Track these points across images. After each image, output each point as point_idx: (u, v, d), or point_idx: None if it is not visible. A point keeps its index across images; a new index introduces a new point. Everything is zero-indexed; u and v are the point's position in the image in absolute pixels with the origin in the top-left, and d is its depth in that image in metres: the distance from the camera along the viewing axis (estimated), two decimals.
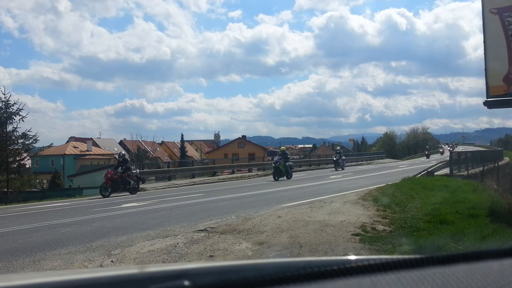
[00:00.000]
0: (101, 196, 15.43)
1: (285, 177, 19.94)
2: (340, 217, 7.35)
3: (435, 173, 16.57)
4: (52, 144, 46.02)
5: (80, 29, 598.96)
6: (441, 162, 22.38)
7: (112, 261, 5.13)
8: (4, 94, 25.67)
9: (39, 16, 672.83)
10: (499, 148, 46.18)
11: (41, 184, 35.85)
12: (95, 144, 59.26)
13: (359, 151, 65.14)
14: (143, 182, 18.67)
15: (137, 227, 7.50)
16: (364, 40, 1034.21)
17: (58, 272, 3.44)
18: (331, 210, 8.20)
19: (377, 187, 12.09)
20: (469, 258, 1.08)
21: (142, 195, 15.93)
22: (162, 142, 73.89)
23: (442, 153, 56.36)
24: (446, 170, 18.31)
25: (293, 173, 21.26)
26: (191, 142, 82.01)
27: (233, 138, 67.84)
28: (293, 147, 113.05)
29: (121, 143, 68.31)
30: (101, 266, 4.99)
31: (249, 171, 29.09)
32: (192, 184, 20.61)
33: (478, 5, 13.70)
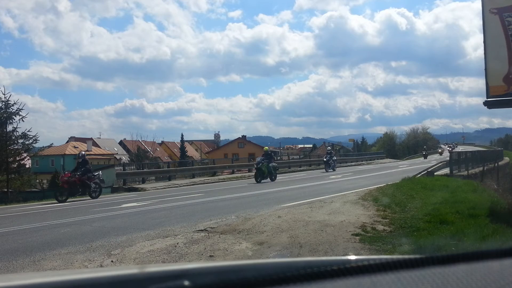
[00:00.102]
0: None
1: (268, 179, 19.07)
2: (340, 217, 7.35)
3: (435, 173, 16.58)
4: (52, 144, 46.07)
5: (80, 29, 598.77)
6: (441, 162, 22.40)
7: (112, 261, 5.13)
8: (4, 94, 25.70)
9: (39, 16, 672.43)
10: (499, 148, 46.14)
11: (41, 184, 35.83)
12: (95, 144, 59.27)
13: (359, 151, 65.18)
14: (99, 187, 15.87)
15: (137, 227, 7.50)
16: (364, 40, 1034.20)
17: (58, 272, 3.44)
18: (331, 210, 8.20)
19: (377, 187, 12.09)
20: (469, 258, 1.08)
21: (142, 195, 15.93)
22: (162, 142, 73.91)
23: (441, 153, 55.62)
24: (446, 170, 18.32)
25: (277, 175, 20.19)
26: (191, 142, 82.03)
27: (233, 138, 67.94)
28: (293, 147, 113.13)
29: (121, 143, 68.36)
30: (101, 266, 4.99)
31: (249, 171, 29.03)
32: (192, 184, 20.62)
33: (478, 5, 13.72)
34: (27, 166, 31.67)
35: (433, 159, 39.40)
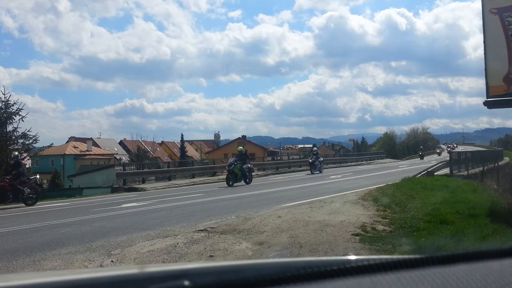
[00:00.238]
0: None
1: (242, 181, 17.64)
2: (340, 217, 7.35)
3: (435, 173, 16.57)
4: (52, 144, 45.96)
5: (80, 29, 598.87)
6: (441, 162, 22.39)
7: (112, 261, 5.13)
8: (4, 94, 25.76)
9: (39, 16, 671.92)
10: (499, 148, 46.10)
11: (41, 184, 35.84)
12: (95, 144, 59.29)
13: (359, 151, 65.20)
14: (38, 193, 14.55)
15: (137, 227, 7.49)
16: (364, 40, 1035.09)
17: (58, 272, 3.44)
18: (331, 210, 8.20)
19: (377, 187, 12.08)
20: (469, 258, 1.08)
21: (142, 195, 15.92)
22: (162, 142, 73.92)
23: (439, 153, 54.42)
24: (446, 170, 18.31)
25: (253, 177, 18.77)
26: (191, 142, 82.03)
27: (233, 138, 67.91)
28: (293, 147, 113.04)
29: (121, 143, 68.38)
30: (101, 266, 4.99)
31: None
32: (192, 184, 20.61)
33: (478, 5, 13.72)
34: (27, 166, 31.66)
35: (432, 160, 39.33)
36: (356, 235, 5.97)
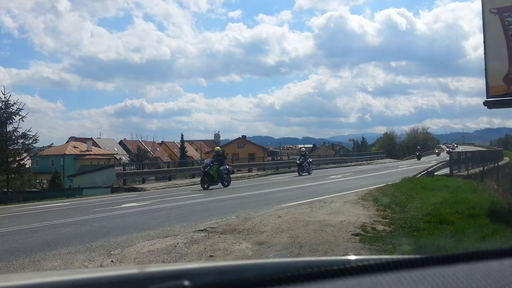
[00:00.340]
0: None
1: (219, 184, 16.44)
2: (340, 217, 7.35)
3: (435, 173, 16.58)
4: (52, 144, 46.25)
5: (80, 29, 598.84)
6: (441, 162, 22.40)
7: (112, 261, 5.13)
8: (4, 94, 25.75)
9: (39, 16, 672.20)
10: (499, 148, 46.03)
11: (41, 184, 35.86)
12: (95, 144, 59.27)
13: (359, 151, 65.22)
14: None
15: (137, 227, 7.50)
16: (364, 40, 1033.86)
17: (58, 272, 3.44)
18: (331, 210, 8.20)
19: (377, 187, 12.09)
20: (469, 258, 1.08)
21: (142, 195, 15.92)
22: (162, 142, 73.92)
23: (438, 154, 53.10)
24: (446, 170, 18.32)
25: (231, 180, 17.54)
26: (191, 142, 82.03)
27: (233, 138, 68.01)
28: (293, 147, 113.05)
29: (121, 143, 68.37)
30: (101, 266, 4.99)
31: (249, 171, 29.11)
32: (192, 184, 20.59)
33: (478, 5, 13.73)
34: (27, 166, 31.69)
35: (432, 160, 39.29)
36: (356, 235, 5.97)
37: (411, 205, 8.51)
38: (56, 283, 0.89)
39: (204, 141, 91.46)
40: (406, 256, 1.10)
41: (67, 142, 58.17)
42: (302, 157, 23.61)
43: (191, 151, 73.34)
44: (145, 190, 18.73)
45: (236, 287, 0.88)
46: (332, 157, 44.20)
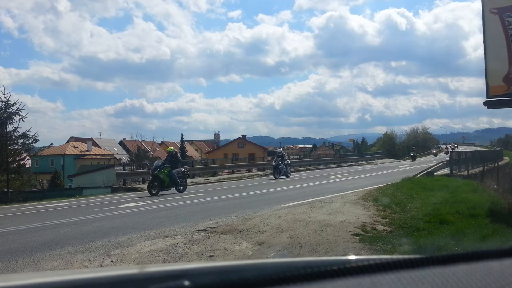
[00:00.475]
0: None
1: (172, 188, 14.90)
2: (340, 217, 7.35)
3: (435, 173, 16.58)
4: (52, 144, 46.05)
5: (79, 29, 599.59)
6: (441, 162, 22.40)
7: (112, 261, 5.13)
8: (4, 94, 25.78)
9: (39, 16, 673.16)
10: (499, 148, 46.02)
11: (41, 184, 35.85)
12: (95, 144, 59.29)
13: (359, 151, 65.20)
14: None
15: (137, 227, 7.50)
16: (364, 40, 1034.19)
17: (58, 272, 3.44)
18: (331, 210, 8.20)
19: (377, 187, 12.09)
20: (469, 258, 1.08)
21: (142, 195, 15.91)
22: (162, 142, 73.91)
23: (435, 154, 51.92)
24: (446, 170, 18.33)
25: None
26: (191, 142, 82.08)
27: (233, 138, 67.92)
28: (293, 147, 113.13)
29: (121, 143, 68.40)
30: (101, 266, 4.99)
31: (249, 171, 29.09)
32: (192, 184, 20.58)
33: (478, 5, 13.73)
34: (27, 166, 31.71)
35: (433, 160, 39.22)
36: (356, 235, 5.97)
37: (411, 205, 8.51)
38: (56, 283, 0.88)
39: (204, 141, 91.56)
40: (406, 256, 1.10)
41: (67, 142, 58.19)
42: (279, 159, 21.70)
43: (191, 151, 73.37)
44: (145, 190, 18.70)
45: (236, 287, 0.88)
46: (332, 157, 44.19)
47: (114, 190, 20.10)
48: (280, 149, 24.93)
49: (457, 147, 67.40)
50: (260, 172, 27.71)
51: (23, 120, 26.13)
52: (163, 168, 14.65)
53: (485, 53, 9.66)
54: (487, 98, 9.67)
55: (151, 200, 12.97)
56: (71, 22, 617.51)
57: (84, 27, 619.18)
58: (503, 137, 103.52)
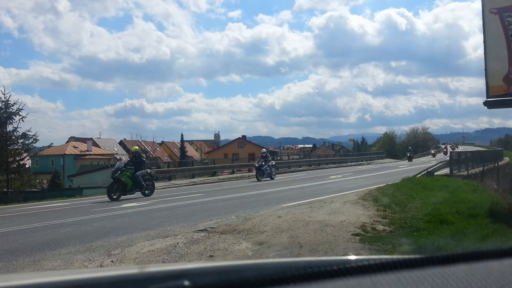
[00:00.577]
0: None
1: (136, 193, 13.63)
2: (340, 217, 7.35)
3: (435, 173, 16.58)
4: (52, 144, 46.04)
5: (79, 29, 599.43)
6: (441, 162, 22.40)
7: (112, 261, 5.13)
8: (4, 94, 25.80)
9: (39, 16, 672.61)
10: (499, 148, 46.00)
11: (41, 184, 35.86)
12: (95, 144, 59.30)
13: (359, 151, 65.23)
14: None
15: (137, 227, 7.50)
16: (364, 40, 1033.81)
17: (58, 272, 3.44)
18: (331, 210, 8.20)
19: (377, 187, 12.09)
20: (469, 258, 1.08)
21: (142, 195, 15.89)
22: (162, 142, 73.93)
23: (433, 155, 50.90)
24: (446, 170, 18.33)
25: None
26: (191, 142, 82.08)
27: (233, 138, 67.98)
28: (293, 147, 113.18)
29: (121, 143, 68.35)
30: (101, 266, 4.99)
31: (249, 171, 29.04)
32: (192, 184, 20.61)
33: (478, 5, 13.73)
34: (27, 166, 31.69)
35: (433, 160, 39.18)
36: (356, 235, 5.98)
37: (411, 205, 8.51)
38: (56, 283, 0.89)
39: (204, 141, 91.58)
40: (406, 256, 1.10)
41: (67, 142, 58.22)
42: (262, 159, 20.48)
43: (191, 151, 73.37)
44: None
45: (236, 287, 0.88)
46: (332, 157, 44.16)
47: None
48: (264, 150, 23.16)
49: (457, 147, 67.36)
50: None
51: (23, 120, 26.18)
52: (125, 170, 13.38)
53: (485, 53, 9.66)
54: (487, 98, 9.67)
55: (151, 200, 12.96)
56: (71, 22, 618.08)
57: (84, 27, 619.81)
58: (503, 137, 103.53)
